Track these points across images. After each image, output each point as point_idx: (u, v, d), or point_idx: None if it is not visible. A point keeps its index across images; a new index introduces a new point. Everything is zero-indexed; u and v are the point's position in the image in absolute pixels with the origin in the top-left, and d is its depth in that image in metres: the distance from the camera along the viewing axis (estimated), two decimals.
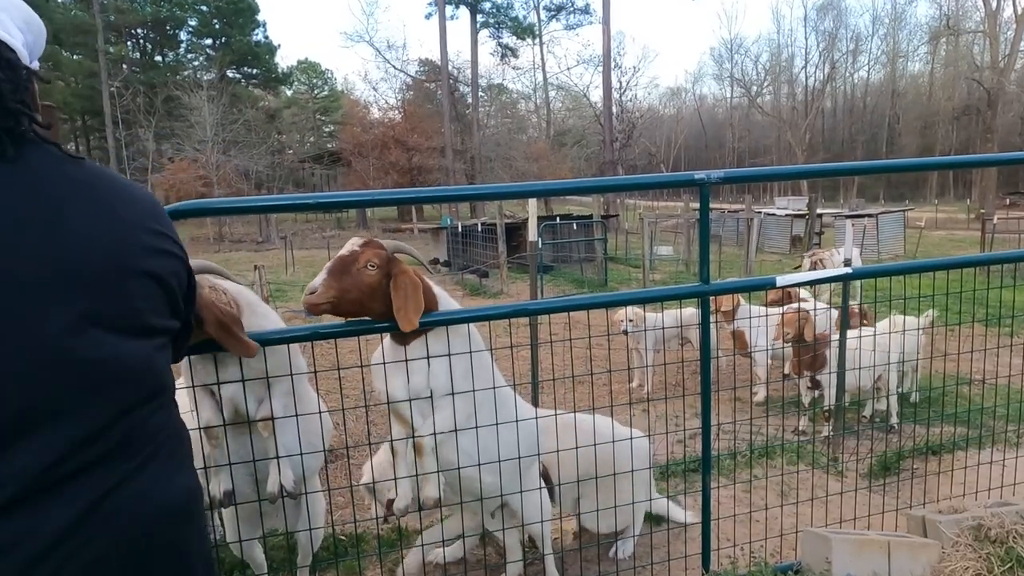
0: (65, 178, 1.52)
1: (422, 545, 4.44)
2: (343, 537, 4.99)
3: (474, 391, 3.36)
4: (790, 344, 7.15)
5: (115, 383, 1.49)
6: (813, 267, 11.71)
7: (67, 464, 1.39)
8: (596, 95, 70.77)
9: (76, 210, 1.50)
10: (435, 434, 3.28)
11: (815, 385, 7.35)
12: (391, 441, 3.41)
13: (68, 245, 1.45)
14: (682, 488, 5.70)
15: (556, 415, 4.00)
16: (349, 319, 3.13)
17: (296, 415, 3.25)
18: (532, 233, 7.85)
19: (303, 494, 3.61)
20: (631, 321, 8.76)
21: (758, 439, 6.82)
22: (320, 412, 3.77)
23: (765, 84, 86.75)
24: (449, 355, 3.25)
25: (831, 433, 7.03)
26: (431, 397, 3.26)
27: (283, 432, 3.33)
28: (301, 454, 3.34)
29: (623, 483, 4.10)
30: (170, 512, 1.59)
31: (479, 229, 23.48)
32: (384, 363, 3.25)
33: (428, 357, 3.21)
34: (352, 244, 3.15)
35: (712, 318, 8.73)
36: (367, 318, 3.12)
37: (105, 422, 1.47)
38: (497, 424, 3.47)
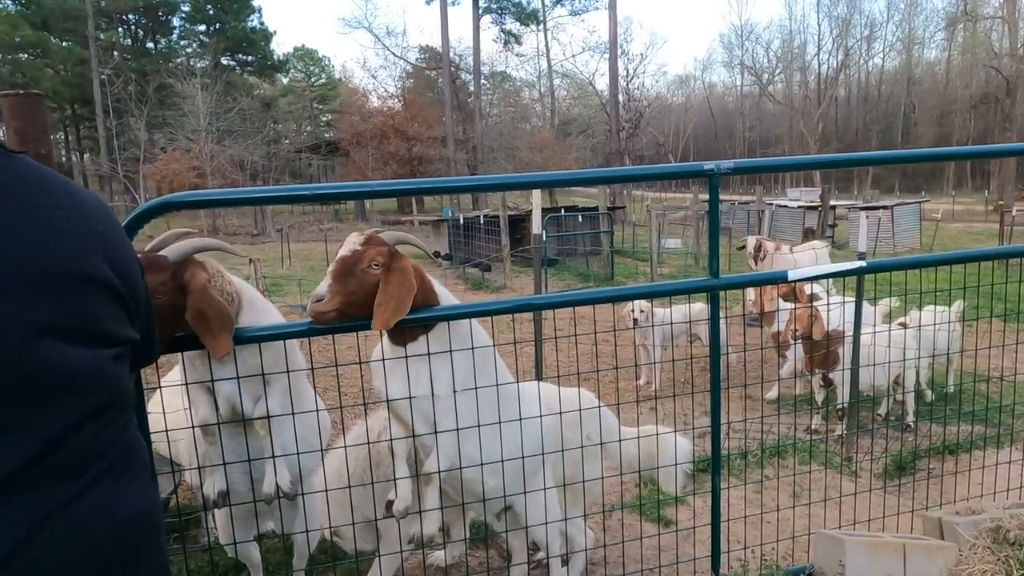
0: (9, 174, 1.46)
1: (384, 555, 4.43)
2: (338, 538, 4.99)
3: (476, 392, 3.34)
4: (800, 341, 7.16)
5: (68, 394, 1.43)
6: (757, 249, 11.77)
7: (16, 480, 1.33)
8: (602, 83, 70.64)
9: (24, 208, 1.44)
10: (439, 472, 3.30)
11: (827, 383, 7.35)
12: (391, 440, 3.40)
13: (19, 244, 1.40)
14: (691, 489, 5.70)
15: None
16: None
17: (292, 413, 3.25)
18: (536, 226, 7.85)
19: (300, 495, 3.61)
20: (642, 312, 8.78)
21: (769, 438, 6.82)
22: (317, 410, 3.76)
23: (777, 72, 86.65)
24: (450, 350, 3.24)
25: (845, 432, 7.03)
26: (433, 406, 3.24)
27: (280, 431, 3.33)
28: (298, 453, 3.33)
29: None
30: (123, 531, 1.53)
31: (481, 221, 23.49)
32: (383, 360, 3.24)
33: (429, 353, 3.20)
34: (353, 243, 3.12)
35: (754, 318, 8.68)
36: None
37: (57, 435, 1.40)
38: (500, 423, 3.45)
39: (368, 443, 3.97)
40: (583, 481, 4.04)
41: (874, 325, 7.49)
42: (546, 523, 3.96)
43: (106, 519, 1.49)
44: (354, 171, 50.69)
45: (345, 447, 3.90)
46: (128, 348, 1.62)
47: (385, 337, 3.29)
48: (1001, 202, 36.59)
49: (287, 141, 62.34)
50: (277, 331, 3.12)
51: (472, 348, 3.34)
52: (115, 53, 57.65)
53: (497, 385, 3.44)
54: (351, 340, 3.37)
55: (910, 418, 7.42)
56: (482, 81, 62.91)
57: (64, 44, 56.52)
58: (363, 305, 3.02)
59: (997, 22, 64.97)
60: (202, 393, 3.23)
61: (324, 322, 2.99)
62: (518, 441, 3.54)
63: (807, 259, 12.03)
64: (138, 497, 1.59)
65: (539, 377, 6.18)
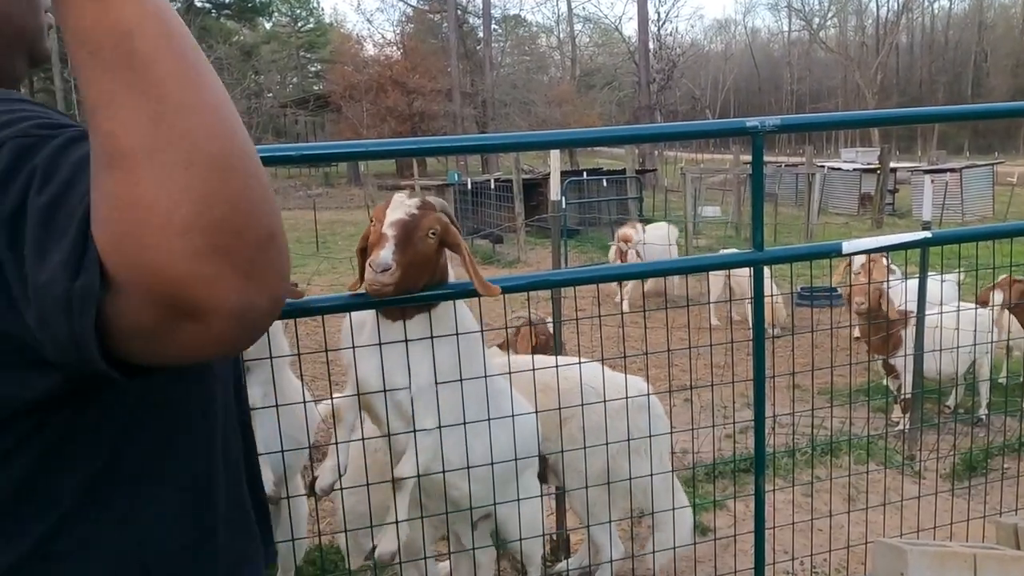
0: None
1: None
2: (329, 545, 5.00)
3: (462, 387, 3.25)
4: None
5: None
6: (620, 255, 12.18)
7: None
8: (630, 28, 70.55)
9: None
10: (418, 476, 3.22)
11: (888, 370, 7.30)
12: (392, 437, 3.38)
13: None
14: (731, 491, 5.69)
15: None
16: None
17: (276, 405, 3.22)
18: (555, 191, 7.82)
19: (284, 498, 3.60)
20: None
21: (821, 434, 6.80)
22: (304, 402, 3.75)
23: (829, 15, 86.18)
24: (434, 337, 3.18)
25: (907, 427, 7.00)
26: (437, 396, 3.18)
27: (261, 426, 3.31)
28: (282, 451, 3.32)
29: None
30: None
31: (492, 186, 23.42)
32: (380, 344, 3.19)
33: (432, 338, 3.16)
34: (408, 206, 2.98)
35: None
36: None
37: None
38: (489, 420, 3.38)
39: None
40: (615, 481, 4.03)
41: (941, 304, 7.41)
42: (544, 534, 3.95)
43: None
44: (347, 128, 50.61)
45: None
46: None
47: (381, 314, 3.23)
48: None
49: (270, 95, 62.34)
50: None
51: (475, 331, 3.31)
52: None
53: (486, 376, 3.39)
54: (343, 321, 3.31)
55: (983, 411, 7.37)
56: (493, 26, 62.71)
57: None
58: (412, 279, 2.90)
59: None
60: None
61: (384, 295, 2.84)
62: (507, 440, 3.49)
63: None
64: None
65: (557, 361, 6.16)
